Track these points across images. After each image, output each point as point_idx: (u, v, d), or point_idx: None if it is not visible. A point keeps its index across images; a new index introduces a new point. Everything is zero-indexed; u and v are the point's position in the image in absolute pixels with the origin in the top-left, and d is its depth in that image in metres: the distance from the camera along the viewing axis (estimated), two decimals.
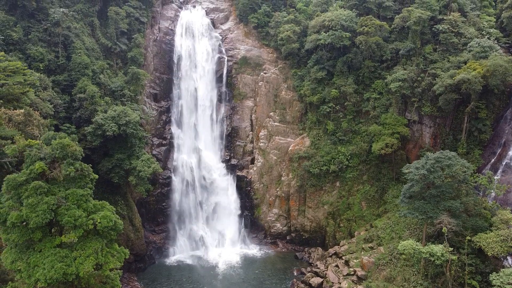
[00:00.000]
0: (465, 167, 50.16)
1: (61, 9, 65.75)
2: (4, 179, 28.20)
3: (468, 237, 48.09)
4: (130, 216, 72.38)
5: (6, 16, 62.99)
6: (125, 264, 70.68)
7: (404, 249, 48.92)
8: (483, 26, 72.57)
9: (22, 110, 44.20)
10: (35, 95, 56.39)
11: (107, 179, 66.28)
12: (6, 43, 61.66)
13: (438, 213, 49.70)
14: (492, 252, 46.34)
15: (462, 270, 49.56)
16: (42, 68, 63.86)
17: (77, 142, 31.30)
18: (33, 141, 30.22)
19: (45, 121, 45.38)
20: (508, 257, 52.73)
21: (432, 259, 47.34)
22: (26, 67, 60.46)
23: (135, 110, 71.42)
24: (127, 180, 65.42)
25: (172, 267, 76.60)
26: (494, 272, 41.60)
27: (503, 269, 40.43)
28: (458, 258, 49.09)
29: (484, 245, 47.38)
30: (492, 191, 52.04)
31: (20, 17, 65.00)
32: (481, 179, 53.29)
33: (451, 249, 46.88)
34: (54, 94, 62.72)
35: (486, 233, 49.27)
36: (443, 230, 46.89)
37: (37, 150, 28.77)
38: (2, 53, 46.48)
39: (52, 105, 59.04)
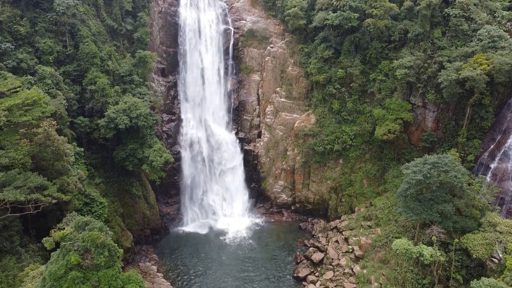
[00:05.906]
0: (460, 173, 52.82)
1: (66, 1, 64.93)
2: (45, 271, 32.40)
3: (456, 240, 52.27)
4: (145, 194, 77.51)
5: (12, 10, 62.75)
6: (143, 237, 77.72)
7: (396, 249, 53.52)
8: (496, 8, 70.51)
9: (40, 130, 46.71)
10: (47, 93, 58.54)
11: (122, 166, 70.50)
12: (14, 38, 62.30)
13: (431, 215, 53.52)
14: (477, 255, 50.69)
15: (449, 265, 54.47)
16: (51, 61, 64.93)
17: (106, 231, 34.75)
18: (66, 230, 33.78)
19: (63, 138, 48.11)
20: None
21: (422, 259, 52.17)
22: (36, 62, 62.53)
23: (145, 94, 73.12)
24: (141, 168, 69.30)
25: (185, 236, 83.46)
26: (475, 279, 46.10)
27: (483, 278, 44.87)
28: (446, 255, 53.75)
29: (470, 247, 51.67)
30: (483, 197, 55.11)
31: (25, 8, 64.55)
32: (476, 182, 56.20)
33: (440, 253, 51.41)
34: (66, 88, 64.59)
35: (474, 233, 53.37)
36: (432, 239, 51.07)
37: (70, 244, 32.59)
38: (18, 81, 47.76)
39: (65, 100, 61.27)
